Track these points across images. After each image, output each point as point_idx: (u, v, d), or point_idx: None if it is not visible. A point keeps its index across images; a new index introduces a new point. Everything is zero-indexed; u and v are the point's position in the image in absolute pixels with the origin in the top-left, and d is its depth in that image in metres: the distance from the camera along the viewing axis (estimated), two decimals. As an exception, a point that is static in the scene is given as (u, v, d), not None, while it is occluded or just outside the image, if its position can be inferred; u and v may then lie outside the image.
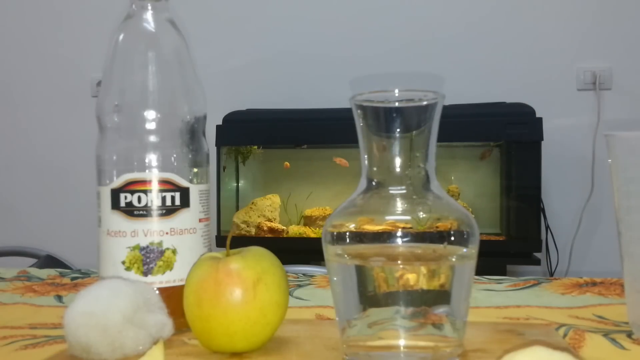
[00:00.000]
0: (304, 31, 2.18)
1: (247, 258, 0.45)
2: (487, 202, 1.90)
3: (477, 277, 0.72)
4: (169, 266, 0.51)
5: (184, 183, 0.52)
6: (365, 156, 0.44)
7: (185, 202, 0.52)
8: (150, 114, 0.52)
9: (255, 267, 0.45)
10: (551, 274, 2.00)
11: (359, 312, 0.43)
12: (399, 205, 0.43)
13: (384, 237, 0.41)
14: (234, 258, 0.45)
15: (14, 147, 2.36)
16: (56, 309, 0.64)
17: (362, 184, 0.44)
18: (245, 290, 0.44)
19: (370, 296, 0.42)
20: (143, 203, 0.51)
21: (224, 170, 1.93)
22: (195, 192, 0.53)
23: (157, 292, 0.49)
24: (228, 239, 0.47)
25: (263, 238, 1.86)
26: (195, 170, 0.54)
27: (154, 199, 0.51)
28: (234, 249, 0.47)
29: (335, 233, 0.43)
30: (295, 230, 1.91)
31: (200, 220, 0.53)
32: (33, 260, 1.80)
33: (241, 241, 1.76)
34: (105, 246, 0.52)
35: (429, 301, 0.42)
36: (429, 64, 2.11)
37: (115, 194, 0.51)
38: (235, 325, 0.44)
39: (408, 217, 0.42)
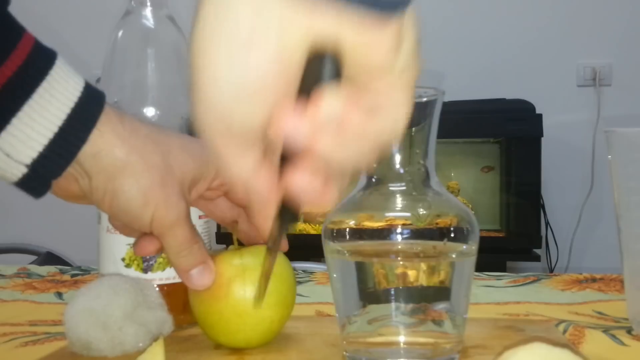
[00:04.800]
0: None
1: (238, 256, 0.45)
2: (486, 199, 1.90)
3: (477, 273, 0.72)
4: (168, 263, 0.51)
5: (183, 180, 0.52)
6: (365, 153, 0.44)
7: (185, 199, 0.52)
8: (150, 111, 0.52)
9: (236, 265, 0.44)
10: (551, 270, 2.01)
11: (359, 308, 0.43)
12: (399, 202, 0.43)
13: (384, 233, 0.41)
14: (225, 255, 0.45)
15: (13, 144, 2.36)
16: (56, 305, 0.64)
17: (362, 180, 0.44)
18: (219, 287, 0.43)
19: (370, 293, 0.42)
20: (143, 200, 0.51)
21: (223, 167, 1.93)
22: (195, 189, 0.53)
23: (157, 289, 0.49)
24: (234, 236, 0.47)
25: (263, 235, 1.86)
26: (195, 167, 0.54)
27: (153, 195, 0.51)
28: (248, 247, 0.47)
29: (335, 230, 0.43)
30: (295, 226, 1.91)
31: (200, 217, 0.53)
32: (33, 257, 1.81)
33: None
34: (105, 243, 0.52)
35: (429, 297, 0.42)
36: (428, 61, 2.11)
37: (115, 190, 0.51)
38: (211, 319, 0.44)
39: (408, 214, 0.42)
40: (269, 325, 0.45)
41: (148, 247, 0.43)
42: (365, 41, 0.25)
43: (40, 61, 0.38)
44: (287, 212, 0.32)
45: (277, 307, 0.45)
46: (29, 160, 0.37)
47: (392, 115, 0.28)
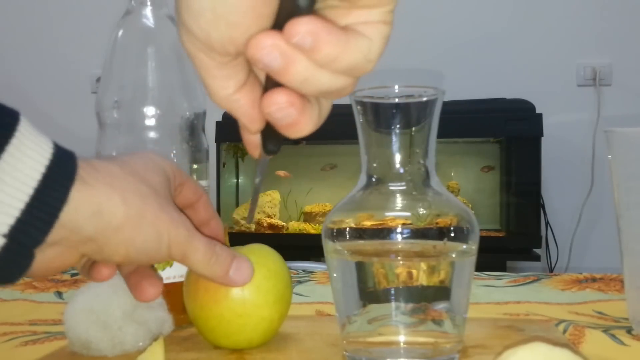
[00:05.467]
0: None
1: None
2: (487, 198, 1.90)
3: (476, 273, 0.72)
4: (168, 263, 0.51)
5: (183, 179, 0.52)
6: (365, 152, 0.44)
7: (185, 199, 0.52)
8: (150, 110, 0.52)
9: None
10: (551, 270, 2.01)
11: (359, 308, 0.43)
12: (399, 201, 0.43)
13: (384, 233, 0.41)
14: None
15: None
16: (56, 305, 0.64)
17: (362, 180, 0.44)
18: (217, 290, 0.43)
19: (370, 292, 0.42)
20: (143, 199, 0.51)
21: (223, 167, 1.93)
22: (195, 188, 0.53)
23: (157, 288, 0.49)
24: (225, 237, 0.47)
25: (263, 234, 1.86)
26: (195, 166, 0.54)
27: (153, 195, 0.51)
28: (240, 246, 0.47)
29: (335, 229, 0.43)
30: (295, 226, 1.91)
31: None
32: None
33: (241, 238, 1.76)
34: (105, 243, 0.52)
35: (429, 297, 0.42)
36: (428, 60, 2.11)
37: (115, 190, 0.51)
38: (212, 322, 0.44)
39: (408, 214, 0.42)
40: (269, 324, 0.45)
41: (149, 290, 0.40)
42: None
43: (5, 120, 0.33)
44: (270, 136, 0.33)
45: (276, 305, 0.45)
46: (6, 229, 0.32)
47: (366, 45, 0.29)
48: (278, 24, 0.28)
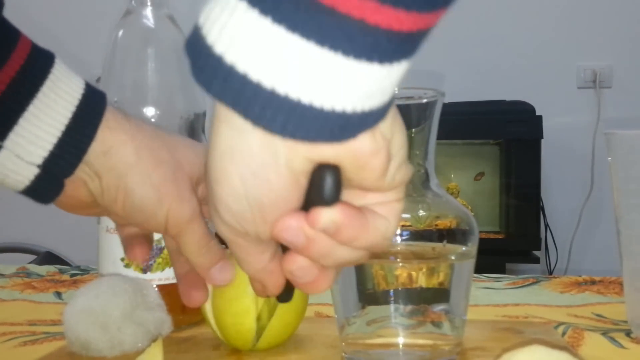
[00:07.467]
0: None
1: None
2: (486, 200, 1.90)
3: (476, 275, 0.72)
4: (168, 263, 0.51)
5: (183, 180, 0.52)
6: (365, 154, 0.44)
7: (184, 199, 0.52)
8: (150, 111, 0.52)
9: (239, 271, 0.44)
10: (550, 272, 2.00)
11: (358, 310, 0.43)
12: (399, 203, 0.43)
13: (383, 235, 0.41)
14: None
15: (13, 144, 2.35)
16: (55, 305, 0.64)
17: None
18: (236, 289, 0.44)
19: (369, 294, 0.42)
20: (142, 200, 0.51)
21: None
22: (194, 189, 0.53)
23: (156, 289, 0.49)
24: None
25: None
26: (195, 167, 0.54)
27: (153, 196, 0.51)
28: None
29: (334, 231, 0.43)
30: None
31: (199, 218, 0.53)
32: (32, 257, 1.80)
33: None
34: (104, 243, 0.52)
35: (428, 299, 0.42)
36: (428, 62, 2.11)
37: (115, 190, 0.51)
38: (211, 323, 0.44)
39: (407, 216, 0.42)
40: (292, 327, 0.46)
41: (195, 296, 0.43)
42: (361, 164, 0.28)
43: (41, 60, 0.37)
44: (285, 290, 0.35)
45: (294, 311, 0.45)
46: (40, 160, 0.36)
47: (384, 224, 0.30)
48: (306, 201, 0.29)
